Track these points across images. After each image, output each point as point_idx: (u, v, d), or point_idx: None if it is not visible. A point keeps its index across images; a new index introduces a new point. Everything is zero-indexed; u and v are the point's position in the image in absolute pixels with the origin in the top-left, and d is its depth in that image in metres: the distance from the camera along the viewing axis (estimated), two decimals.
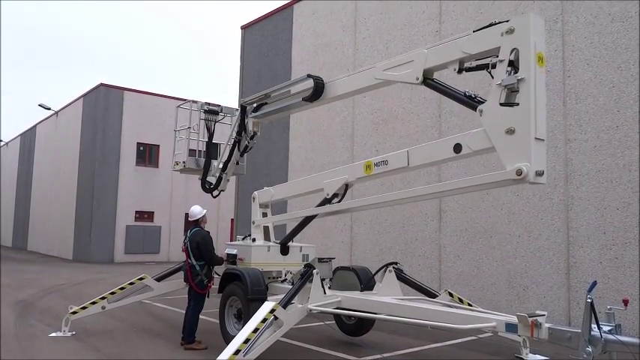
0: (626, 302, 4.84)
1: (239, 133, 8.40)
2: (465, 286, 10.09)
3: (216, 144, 9.19)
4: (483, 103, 5.05)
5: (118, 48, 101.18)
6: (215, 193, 9.05)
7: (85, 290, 13.68)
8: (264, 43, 16.38)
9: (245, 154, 8.82)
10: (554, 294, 8.87)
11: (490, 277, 9.79)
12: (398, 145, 11.74)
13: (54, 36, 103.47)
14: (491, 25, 5.00)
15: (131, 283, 8.51)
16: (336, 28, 13.73)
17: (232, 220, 24.75)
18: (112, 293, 8.44)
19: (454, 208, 10.50)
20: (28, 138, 37.08)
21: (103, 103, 25.31)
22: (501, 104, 4.82)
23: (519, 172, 4.63)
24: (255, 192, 8.53)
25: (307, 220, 7.56)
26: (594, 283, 4.71)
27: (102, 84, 25.55)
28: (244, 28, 17.23)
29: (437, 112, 11.01)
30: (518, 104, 4.73)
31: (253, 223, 8.41)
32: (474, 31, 5.20)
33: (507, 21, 4.84)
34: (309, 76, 7.19)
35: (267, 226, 8.37)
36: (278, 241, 8.03)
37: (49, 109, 30.19)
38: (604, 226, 8.36)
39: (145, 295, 8.86)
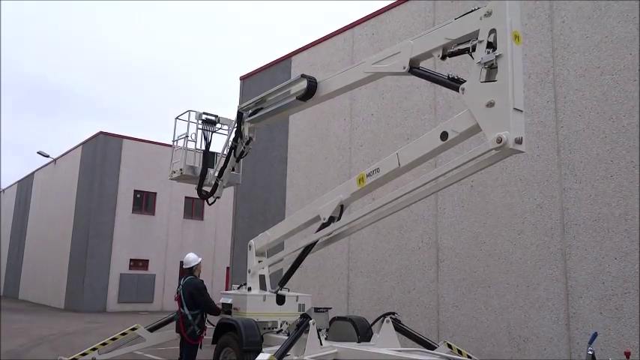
0: (627, 354, 4.77)
1: (235, 139, 8.60)
2: (464, 337, 9.90)
3: (214, 153, 9.25)
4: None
5: (119, 97, 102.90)
6: (211, 200, 9.07)
7: (76, 341, 13.36)
8: (262, 93, 16.67)
9: (241, 161, 9.02)
10: (554, 345, 8.70)
11: (489, 327, 9.63)
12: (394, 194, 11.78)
13: (54, 85, 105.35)
14: (472, 11, 5.39)
15: (123, 334, 8.32)
16: None
17: (228, 268, 24.47)
18: (104, 344, 8.24)
19: (451, 256, 10.44)
20: (25, 185, 37.09)
21: (102, 151, 25.51)
22: (482, 82, 5.13)
23: (499, 140, 4.84)
24: (252, 240, 8.50)
25: (305, 252, 7.43)
26: (595, 335, 4.65)
27: (101, 132, 25.82)
28: (243, 78, 17.60)
29: (432, 160, 11.10)
30: (496, 81, 5.04)
31: (249, 271, 8.32)
32: (455, 19, 5.58)
33: (485, 5, 5.23)
34: (302, 76, 7.47)
35: (264, 275, 8.28)
36: (274, 290, 7.92)
37: (47, 156, 30.36)
38: (602, 276, 8.31)
39: (137, 346, 8.65)
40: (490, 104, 5.01)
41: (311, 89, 7.35)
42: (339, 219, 7.01)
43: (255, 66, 19.04)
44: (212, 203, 9.19)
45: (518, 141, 4.86)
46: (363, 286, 12.15)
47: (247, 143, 8.63)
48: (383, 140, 12.31)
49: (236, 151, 8.67)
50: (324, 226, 7.04)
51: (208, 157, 9.06)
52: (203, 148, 9.15)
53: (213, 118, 9.17)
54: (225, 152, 8.91)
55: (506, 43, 4.98)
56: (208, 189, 9.09)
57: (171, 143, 9.75)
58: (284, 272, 8.01)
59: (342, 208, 6.98)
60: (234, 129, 8.72)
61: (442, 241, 10.67)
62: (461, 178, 5.69)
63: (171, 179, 9.57)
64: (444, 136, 5.50)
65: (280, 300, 7.78)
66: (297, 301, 7.99)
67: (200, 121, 9.13)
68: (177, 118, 9.79)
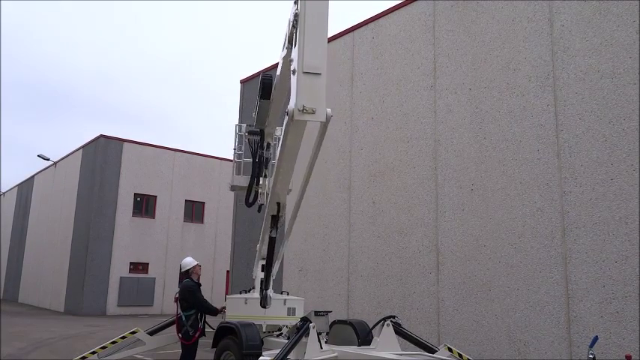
0: (628, 358, 4.76)
1: (261, 147, 8.76)
2: (465, 341, 9.88)
3: (260, 162, 9.39)
4: None
5: (120, 99, 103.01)
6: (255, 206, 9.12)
7: (76, 344, 13.33)
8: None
9: (271, 167, 9.07)
10: (555, 349, 8.69)
11: (490, 331, 9.61)
12: (395, 197, 11.80)
13: (55, 88, 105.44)
14: None
15: (123, 337, 8.32)
16: (333, 82, 14.05)
17: (228, 272, 24.45)
18: (103, 347, 8.24)
19: (452, 260, 10.43)
20: (25, 188, 37.09)
21: (102, 154, 25.50)
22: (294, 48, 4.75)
23: (288, 112, 4.42)
24: (259, 244, 8.56)
25: (270, 252, 7.25)
26: (596, 338, 4.64)
27: (102, 135, 25.83)
28: (244, 82, 17.62)
29: (433, 164, 11.12)
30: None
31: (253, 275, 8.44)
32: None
33: None
34: (261, 76, 7.50)
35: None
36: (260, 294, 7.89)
37: (48, 159, 30.36)
38: (603, 280, 8.29)
39: (137, 350, 8.64)
40: (293, 72, 4.60)
41: (266, 85, 7.33)
42: (279, 217, 6.94)
43: (255, 69, 19.07)
44: (259, 211, 9.27)
45: (305, 110, 4.30)
46: (364, 289, 12.14)
47: (267, 149, 8.73)
48: (383, 144, 12.32)
49: (264, 159, 8.80)
50: (274, 223, 7.00)
51: (255, 166, 9.10)
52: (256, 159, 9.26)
53: (256, 129, 9.24)
54: (236, 159, 9.21)
55: (302, 1, 4.49)
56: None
57: (231, 157, 10.02)
58: (283, 276, 8.01)
59: (278, 205, 6.96)
60: (247, 138, 8.93)
61: (442, 245, 10.66)
62: (293, 150, 5.38)
63: (230, 190, 9.78)
64: (287, 113, 5.00)
65: (265, 303, 7.71)
66: (285, 304, 7.92)
67: (247, 133, 9.24)
68: (235, 132, 9.95)
